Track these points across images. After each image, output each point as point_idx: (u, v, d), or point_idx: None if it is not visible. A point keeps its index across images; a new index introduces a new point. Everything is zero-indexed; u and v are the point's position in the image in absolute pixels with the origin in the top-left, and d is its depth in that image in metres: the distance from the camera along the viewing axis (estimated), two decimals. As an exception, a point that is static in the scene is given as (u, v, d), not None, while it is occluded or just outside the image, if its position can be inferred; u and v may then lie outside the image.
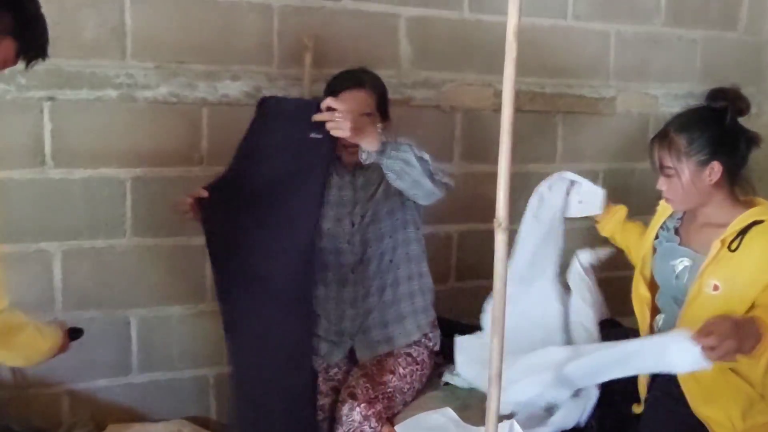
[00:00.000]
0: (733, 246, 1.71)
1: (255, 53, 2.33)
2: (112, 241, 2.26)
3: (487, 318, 2.10)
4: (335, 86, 2.08)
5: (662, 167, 1.79)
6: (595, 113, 2.84)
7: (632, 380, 1.96)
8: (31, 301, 2.16)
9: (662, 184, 1.81)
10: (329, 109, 1.82)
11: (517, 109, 2.71)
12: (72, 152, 2.18)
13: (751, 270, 1.68)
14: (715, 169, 1.73)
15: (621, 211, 2.13)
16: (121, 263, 2.27)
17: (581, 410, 1.88)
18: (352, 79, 2.08)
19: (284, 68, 2.36)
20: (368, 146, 1.82)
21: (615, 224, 2.13)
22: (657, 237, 1.94)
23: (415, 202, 2.11)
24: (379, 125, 1.98)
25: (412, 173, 1.86)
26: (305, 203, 1.91)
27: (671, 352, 1.56)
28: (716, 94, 1.78)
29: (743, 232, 1.71)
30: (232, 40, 2.30)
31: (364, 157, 1.86)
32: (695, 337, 1.50)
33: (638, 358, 1.67)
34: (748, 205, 1.78)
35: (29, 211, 2.16)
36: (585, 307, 2.08)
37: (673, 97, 2.89)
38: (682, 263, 1.82)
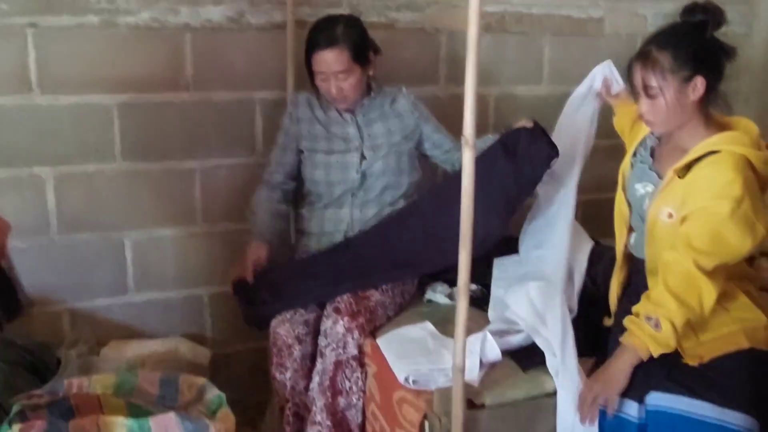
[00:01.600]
0: (681, 174, 1.72)
1: (237, -25, 2.33)
2: (103, 165, 2.31)
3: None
4: (311, 45, 2.16)
5: (645, 87, 1.74)
6: (582, 34, 2.82)
7: (604, 295, 2.04)
8: (27, 226, 2.26)
9: (644, 107, 1.76)
10: None
11: (504, 31, 2.74)
12: (57, 79, 2.21)
13: (694, 198, 1.69)
14: (699, 84, 1.71)
15: (627, 99, 2.09)
16: (112, 187, 2.33)
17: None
18: (325, 39, 2.13)
19: (267, -9, 2.36)
20: None
21: (627, 120, 2.10)
22: (635, 154, 1.95)
23: (416, 147, 2.34)
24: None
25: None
26: None
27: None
28: (693, 8, 1.74)
29: (697, 161, 1.71)
30: (213, -37, 2.30)
31: None
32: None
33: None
34: (721, 128, 1.77)
35: (20, 136, 2.21)
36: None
37: (662, 16, 2.84)
38: (645, 188, 1.84)
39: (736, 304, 1.78)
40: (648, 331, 1.65)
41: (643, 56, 1.74)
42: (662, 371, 1.70)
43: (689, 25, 1.74)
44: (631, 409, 1.69)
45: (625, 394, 1.70)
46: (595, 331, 1.97)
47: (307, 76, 2.22)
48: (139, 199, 2.38)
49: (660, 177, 1.82)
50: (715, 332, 1.75)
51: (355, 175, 2.25)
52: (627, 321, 1.70)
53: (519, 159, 2.02)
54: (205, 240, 2.49)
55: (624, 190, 1.96)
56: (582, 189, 2.19)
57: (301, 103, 2.28)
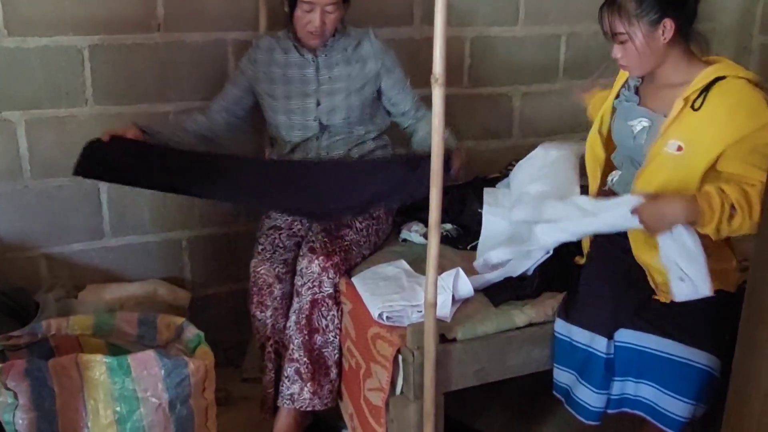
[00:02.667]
0: (697, 104, 1.72)
1: None
2: (74, 109, 2.29)
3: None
4: None
5: (614, 34, 1.77)
6: (560, -27, 2.80)
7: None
8: (-1, 170, 2.24)
9: (617, 52, 1.79)
10: None
11: (478, -27, 2.69)
12: (25, 20, 2.16)
13: (715, 129, 1.69)
14: (667, 26, 1.72)
15: (598, 92, 2.13)
16: (84, 132, 2.27)
17: (532, 262, 1.99)
18: None
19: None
20: None
21: (597, 101, 2.12)
22: (618, 96, 1.96)
23: (378, 92, 2.28)
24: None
25: None
26: None
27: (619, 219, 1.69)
28: None
29: (706, 90, 1.71)
30: None
31: None
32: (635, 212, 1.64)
33: (597, 223, 1.77)
34: (707, 63, 1.79)
35: (-13, 80, 2.18)
36: None
37: None
38: (640, 123, 1.85)
39: (708, 244, 1.82)
40: (720, 216, 1.60)
41: (610, 3, 1.77)
42: (631, 309, 1.75)
43: None
44: (600, 345, 1.75)
45: (594, 329, 1.75)
46: (565, 269, 2.01)
47: (286, 10, 2.16)
48: (112, 143, 2.36)
49: (654, 113, 1.83)
50: None
51: (313, 122, 2.22)
52: (713, 189, 1.62)
53: (410, 179, 1.96)
54: (181, 183, 2.48)
55: (604, 131, 1.98)
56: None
57: (261, 46, 2.24)
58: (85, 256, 2.44)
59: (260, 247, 2.15)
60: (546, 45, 2.88)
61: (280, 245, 2.16)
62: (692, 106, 1.72)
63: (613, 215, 1.70)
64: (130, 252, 2.49)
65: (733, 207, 1.60)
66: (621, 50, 1.79)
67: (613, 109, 1.97)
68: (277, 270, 2.09)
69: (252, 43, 2.29)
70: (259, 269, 2.09)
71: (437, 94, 1.50)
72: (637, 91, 1.91)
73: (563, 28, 2.89)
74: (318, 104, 2.22)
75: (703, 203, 1.60)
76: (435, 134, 1.53)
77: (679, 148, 1.73)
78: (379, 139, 2.32)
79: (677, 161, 1.73)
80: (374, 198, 2.03)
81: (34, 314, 2.15)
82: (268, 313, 2.08)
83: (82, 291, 2.37)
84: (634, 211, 1.65)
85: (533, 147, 2.27)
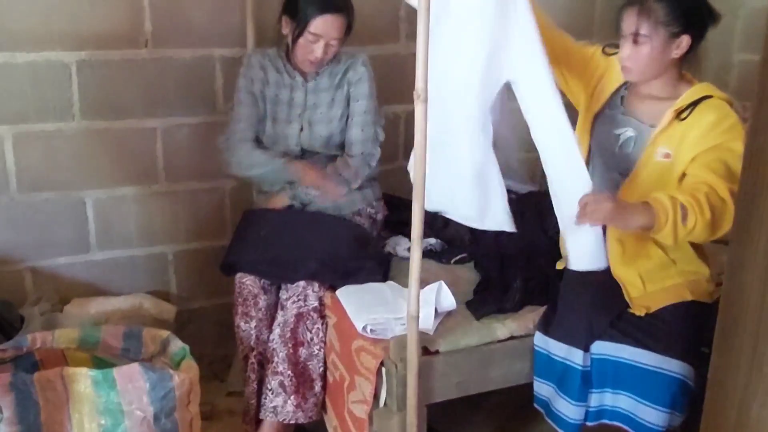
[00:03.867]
0: (683, 115, 1.78)
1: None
2: (62, 124, 2.30)
3: None
4: (315, 8, 2.11)
5: (636, 34, 1.78)
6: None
7: (555, 243, 2.12)
8: (-15, 184, 2.25)
9: (627, 51, 1.81)
10: None
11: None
12: (13, 36, 2.18)
13: (695, 136, 1.75)
14: (684, 42, 1.78)
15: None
16: (72, 146, 2.33)
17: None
18: (336, 4, 2.13)
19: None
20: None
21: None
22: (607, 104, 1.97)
23: None
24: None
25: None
26: None
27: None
28: None
29: (694, 104, 1.78)
30: None
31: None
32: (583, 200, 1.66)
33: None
34: (690, 83, 1.85)
35: (-24, 95, 2.19)
36: None
37: None
38: (626, 133, 1.90)
39: (683, 256, 1.88)
40: (675, 217, 1.62)
41: (641, 3, 1.78)
42: (607, 321, 1.78)
43: None
44: (576, 357, 1.78)
45: (571, 342, 1.78)
46: (546, 284, 2.05)
47: (284, 32, 2.20)
48: (99, 157, 2.38)
49: (640, 123, 1.88)
50: (661, 284, 1.85)
51: (294, 147, 2.27)
52: (663, 195, 1.66)
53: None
54: (168, 198, 2.50)
55: (588, 125, 2.00)
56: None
57: (253, 64, 2.26)
58: (71, 270, 2.44)
59: (245, 259, 2.18)
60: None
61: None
62: (679, 117, 1.79)
63: (572, 179, 1.73)
64: (116, 266, 2.50)
65: (683, 207, 1.63)
66: (632, 51, 1.80)
67: (596, 115, 2.00)
68: (262, 281, 2.11)
69: (243, 62, 2.30)
70: (244, 280, 2.11)
71: (420, 110, 1.54)
72: (622, 101, 1.95)
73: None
74: (301, 129, 2.26)
75: (656, 205, 1.64)
76: (418, 147, 1.56)
77: (667, 155, 1.80)
78: None
79: (664, 167, 1.80)
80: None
81: (19, 328, 2.15)
82: (253, 324, 2.09)
83: (67, 305, 2.37)
84: (582, 199, 1.66)
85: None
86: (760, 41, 1.09)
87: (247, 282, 2.11)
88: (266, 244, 2.17)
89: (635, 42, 1.79)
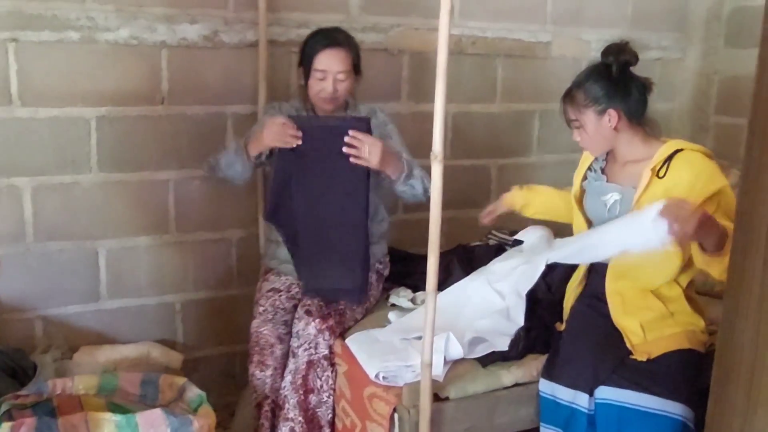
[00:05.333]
0: (661, 173, 1.93)
1: (211, -3, 2.45)
2: (79, 176, 2.39)
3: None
4: (316, 44, 2.25)
5: (569, 121, 2.04)
6: (532, 57, 3.03)
7: (559, 300, 2.22)
8: (3, 234, 2.32)
9: (576, 136, 2.06)
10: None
11: (461, 52, 2.92)
12: (37, 92, 2.28)
13: (679, 193, 1.86)
14: (613, 115, 1.97)
15: (516, 192, 2.38)
16: (88, 197, 2.41)
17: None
18: (332, 38, 2.26)
19: (240, 12, 2.48)
20: (391, 174, 2.17)
21: (522, 198, 2.37)
22: (585, 179, 2.17)
23: None
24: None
25: (414, 196, 2.27)
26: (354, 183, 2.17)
27: (642, 229, 1.73)
28: (606, 50, 2.02)
29: (669, 159, 1.93)
30: (189, -16, 2.41)
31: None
32: (662, 212, 1.68)
33: (615, 238, 1.86)
34: (662, 141, 2.01)
35: (-1, 148, 2.28)
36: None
37: (604, 42, 3.00)
38: (612, 198, 2.04)
39: (680, 309, 2.00)
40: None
41: (566, 94, 2.05)
42: (610, 367, 1.88)
43: (601, 65, 2.02)
44: (582, 401, 1.87)
45: (576, 386, 1.88)
46: (547, 333, 2.15)
47: (302, 83, 2.31)
48: (114, 208, 2.46)
49: (623, 187, 2.02)
50: (661, 332, 1.96)
51: None
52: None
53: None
54: (178, 249, 2.58)
55: (582, 208, 2.16)
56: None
57: (282, 111, 2.32)
58: (81, 318, 2.49)
59: (261, 309, 2.25)
60: (521, 120, 3.09)
61: (281, 307, 2.26)
62: (657, 175, 1.93)
63: (640, 222, 1.74)
64: (125, 314, 2.55)
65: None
66: (578, 134, 2.05)
67: (583, 190, 2.17)
68: (278, 331, 2.18)
69: (272, 105, 2.40)
70: (261, 330, 2.18)
71: (436, 170, 1.65)
72: (602, 171, 2.12)
73: (536, 105, 3.10)
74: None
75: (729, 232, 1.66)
76: (434, 207, 1.67)
77: None
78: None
79: None
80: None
81: (32, 375, 2.19)
82: (269, 372, 2.15)
83: (76, 352, 2.41)
84: (662, 210, 1.68)
85: (510, 216, 2.45)
86: (734, 105, 1.22)
87: (265, 331, 2.18)
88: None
89: (574, 127, 2.03)
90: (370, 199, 2.21)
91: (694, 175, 1.89)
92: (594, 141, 2.03)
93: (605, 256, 1.98)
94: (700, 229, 1.65)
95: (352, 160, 2.08)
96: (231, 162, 2.25)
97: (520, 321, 2.11)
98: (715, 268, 1.77)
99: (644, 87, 2.00)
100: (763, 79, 1.23)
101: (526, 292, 2.14)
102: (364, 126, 2.11)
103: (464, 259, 2.56)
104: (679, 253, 1.91)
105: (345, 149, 2.08)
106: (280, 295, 2.29)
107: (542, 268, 2.10)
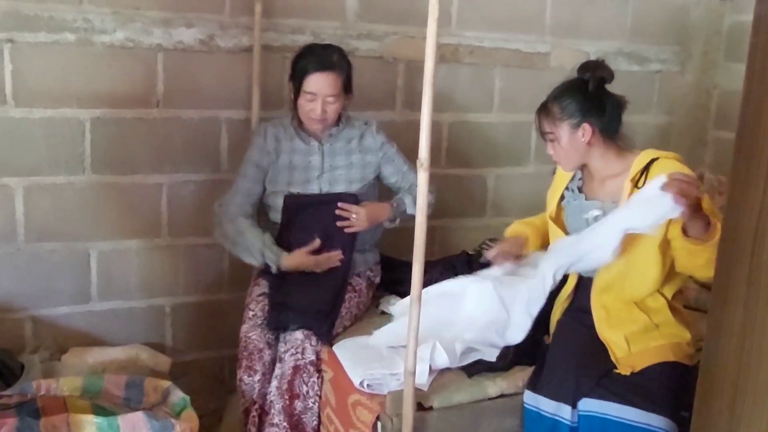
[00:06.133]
0: (640, 183, 1.94)
1: (208, 1, 2.45)
2: (72, 177, 2.39)
3: None
4: (307, 66, 2.25)
5: (544, 133, 2.05)
6: (530, 67, 3.02)
7: (546, 311, 2.20)
8: (-6, 233, 2.32)
9: (549, 149, 2.07)
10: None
11: (457, 62, 2.92)
12: (32, 93, 2.29)
13: None
14: (587, 129, 1.99)
15: (515, 227, 2.35)
16: (80, 199, 2.41)
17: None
18: (323, 62, 2.26)
19: (236, 17, 2.49)
20: (384, 222, 2.40)
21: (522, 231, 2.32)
22: (563, 198, 2.16)
23: (377, 178, 2.47)
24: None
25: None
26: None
27: (649, 206, 1.76)
28: (583, 67, 2.05)
29: (646, 169, 1.95)
30: (186, -13, 2.42)
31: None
32: (665, 185, 1.70)
33: (619, 220, 1.87)
34: (635, 154, 2.02)
35: (-8, 147, 2.28)
36: None
37: (603, 54, 3.08)
38: (593, 214, 2.05)
39: (665, 321, 2.00)
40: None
41: (542, 107, 2.07)
42: (593, 379, 1.87)
43: (578, 81, 2.04)
44: (565, 413, 1.86)
45: (559, 399, 1.87)
46: (535, 346, 2.13)
47: (292, 97, 2.33)
48: (106, 211, 2.46)
49: (603, 202, 2.04)
50: (645, 345, 1.95)
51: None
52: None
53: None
54: (170, 252, 2.58)
55: (561, 223, 2.16)
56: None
57: (268, 136, 2.36)
58: (71, 319, 2.49)
59: (251, 313, 2.24)
60: (518, 131, 3.08)
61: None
62: (637, 186, 1.94)
63: (645, 199, 1.78)
64: (115, 316, 2.55)
65: None
66: (551, 147, 2.07)
67: (560, 209, 2.17)
68: (267, 336, 2.17)
69: (256, 135, 2.40)
70: (250, 335, 2.18)
71: (422, 177, 1.65)
72: (580, 190, 2.13)
73: (532, 116, 3.08)
74: (320, 191, 2.36)
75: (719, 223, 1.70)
76: (419, 213, 1.67)
77: None
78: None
79: (633, 236, 1.91)
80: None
81: (19, 375, 2.19)
82: (257, 377, 2.14)
83: (65, 354, 2.40)
84: (665, 185, 1.71)
85: (505, 226, 2.42)
86: (734, 120, 1.22)
87: (253, 336, 2.17)
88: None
89: (548, 140, 2.04)
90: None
91: None
92: (567, 154, 2.04)
93: (609, 251, 1.92)
94: (697, 204, 1.70)
95: (346, 230, 2.30)
96: (244, 251, 2.31)
97: (518, 340, 2.08)
98: (699, 257, 1.78)
99: (619, 104, 2.03)
100: (750, 92, 1.22)
101: (537, 312, 2.08)
102: (353, 200, 2.32)
103: (457, 267, 2.55)
104: (660, 261, 1.92)
105: (339, 223, 2.30)
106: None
107: (550, 283, 2.06)
